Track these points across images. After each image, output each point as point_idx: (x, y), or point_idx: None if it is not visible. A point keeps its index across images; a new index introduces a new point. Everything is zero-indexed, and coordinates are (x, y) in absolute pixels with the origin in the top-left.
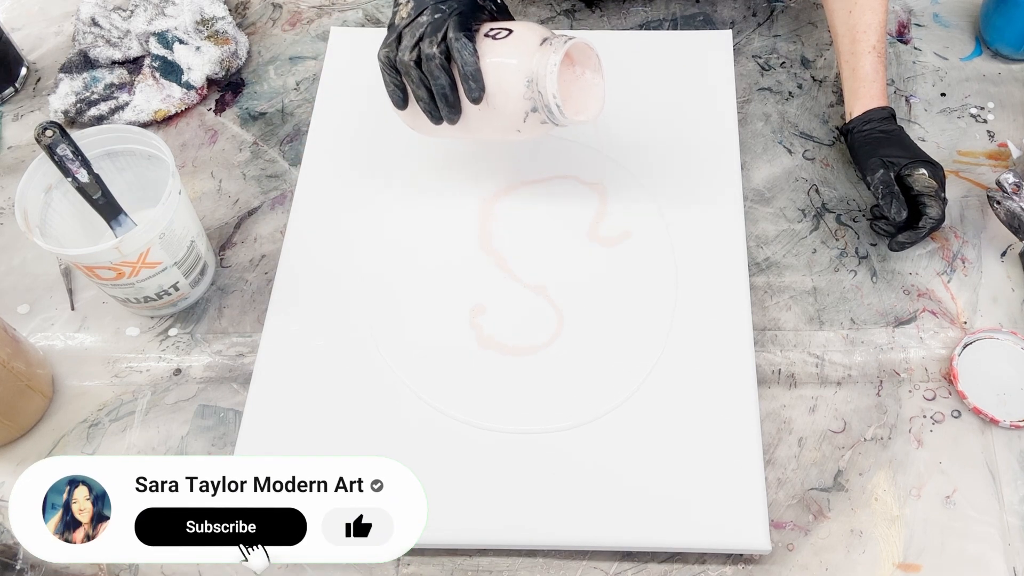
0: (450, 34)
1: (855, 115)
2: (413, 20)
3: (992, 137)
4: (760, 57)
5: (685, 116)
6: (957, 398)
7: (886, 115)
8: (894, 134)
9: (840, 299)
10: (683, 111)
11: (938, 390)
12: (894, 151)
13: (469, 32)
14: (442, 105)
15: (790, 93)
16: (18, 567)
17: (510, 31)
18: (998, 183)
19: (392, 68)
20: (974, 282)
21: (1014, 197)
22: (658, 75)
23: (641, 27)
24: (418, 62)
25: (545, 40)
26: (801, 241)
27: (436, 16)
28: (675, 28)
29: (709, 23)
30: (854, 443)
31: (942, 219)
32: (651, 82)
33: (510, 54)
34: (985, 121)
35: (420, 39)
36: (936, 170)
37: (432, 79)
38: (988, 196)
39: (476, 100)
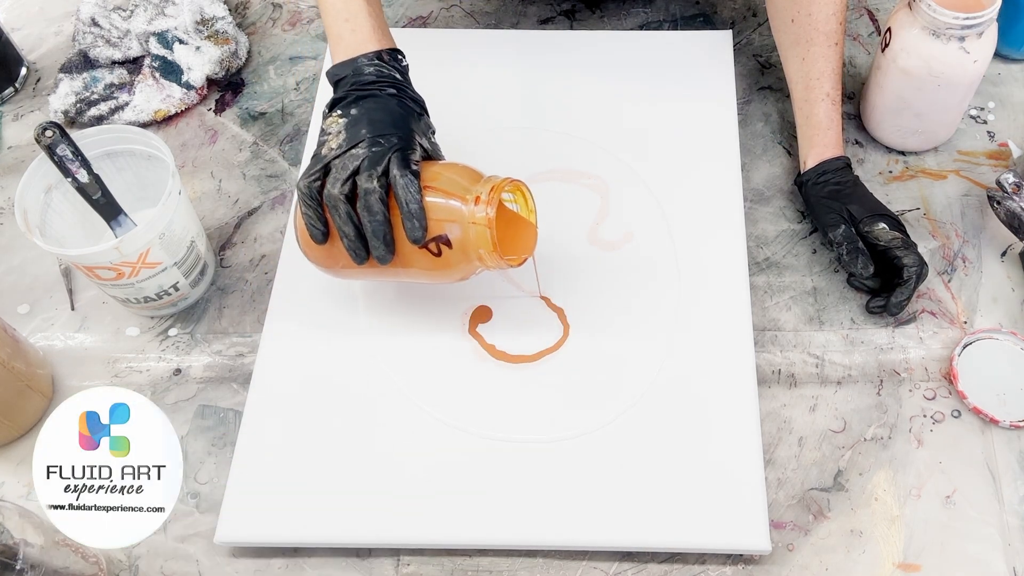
0: (393, 170)
1: (809, 165)
2: (346, 152)
3: (992, 137)
4: (761, 56)
5: (685, 116)
6: (957, 398)
7: (841, 165)
8: (849, 185)
9: (840, 299)
10: (683, 111)
11: (938, 390)
12: (852, 205)
13: (413, 169)
14: (376, 243)
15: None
16: (18, 567)
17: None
18: (998, 183)
19: (314, 200)
20: (974, 282)
21: (1014, 197)
22: (658, 75)
23: (641, 28)
24: (348, 197)
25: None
26: (801, 241)
27: (374, 150)
28: (675, 29)
29: (709, 23)
30: (854, 443)
31: (923, 264)
32: (651, 82)
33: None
34: (985, 121)
35: (355, 172)
36: (895, 222)
37: (370, 215)
38: (988, 196)
39: (418, 240)
